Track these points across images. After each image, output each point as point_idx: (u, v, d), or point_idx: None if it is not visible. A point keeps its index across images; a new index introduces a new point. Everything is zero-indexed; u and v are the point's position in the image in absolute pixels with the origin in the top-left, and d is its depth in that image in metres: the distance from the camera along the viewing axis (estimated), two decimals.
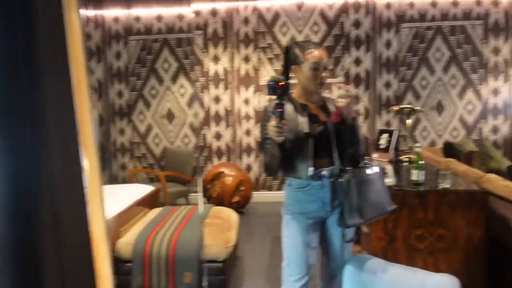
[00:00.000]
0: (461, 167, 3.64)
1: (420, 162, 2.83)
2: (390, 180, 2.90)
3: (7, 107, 0.72)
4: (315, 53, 2.00)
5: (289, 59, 2.08)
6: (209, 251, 3.03)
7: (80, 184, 0.77)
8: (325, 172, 2.01)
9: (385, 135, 3.57)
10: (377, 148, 3.57)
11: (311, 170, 1.98)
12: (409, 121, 3.92)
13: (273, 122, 1.75)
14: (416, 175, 2.84)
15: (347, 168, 2.00)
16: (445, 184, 2.75)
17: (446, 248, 2.66)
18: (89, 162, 0.78)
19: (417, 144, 2.94)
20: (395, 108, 4.04)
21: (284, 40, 5.69)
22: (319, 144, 1.99)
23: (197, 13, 5.76)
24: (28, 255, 0.76)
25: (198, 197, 2.80)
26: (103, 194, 0.80)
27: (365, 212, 1.95)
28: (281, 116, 1.76)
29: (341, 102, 1.93)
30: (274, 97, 1.81)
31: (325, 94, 2.19)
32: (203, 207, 3.35)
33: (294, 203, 2.07)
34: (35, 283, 0.78)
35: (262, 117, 2.07)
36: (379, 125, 5.70)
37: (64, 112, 0.72)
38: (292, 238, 2.07)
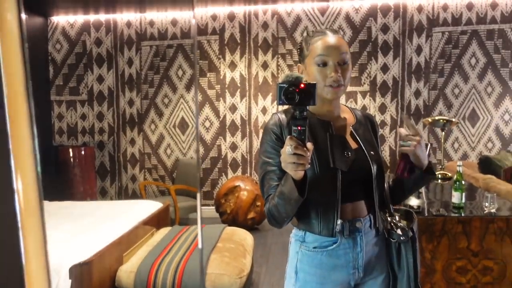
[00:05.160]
0: (504, 185, 3.25)
1: (462, 182, 2.48)
2: (420, 201, 2.57)
3: None
4: (320, 42, 1.33)
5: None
6: (219, 281, 2.68)
7: (11, 209, 0.65)
8: (359, 224, 1.33)
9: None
10: None
11: (339, 223, 1.30)
12: (442, 134, 3.56)
13: (288, 147, 1.07)
14: (457, 197, 2.49)
15: (397, 222, 1.39)
16: (492, 208, 2.41)
17: (492, 282, 2.32)
18: (23, 184, 0.64)
19: (459, 162, 2.57)
20: (429, 119, 3.66)
21: None
22: (349, 183, 1.32)
23: (214, 17, 5.46)
24: None
25: (198, 227, 2.42)
26: (42, 220, 0.66)
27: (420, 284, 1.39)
28: (302, 138, 1.09)
29: (407, 147, 1.30)
30: (286, 106, 1.21)
31: (346, 104, 1.54)
32: (201, 243, 2.95)
33: (310, 269, 1.36)
34: None
35: (263, 139, 1.36)
36: None
37: None
38: None
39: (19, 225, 0.68)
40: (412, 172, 1.35)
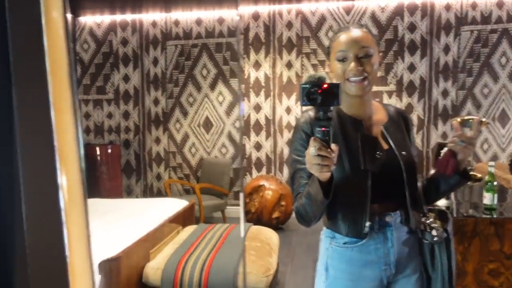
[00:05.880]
0: None
1: (494, 183, 2.42)
2: (449, 202, 2.53)
3: None
4: (342, 37, 1.31)
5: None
6: (246, 279, 2.67)
7: (55, 204, 0.66)
8: (389, 218, 1.31)
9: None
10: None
11: (367, 225, 1.29)
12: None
13: (312, 149, 1.06)
14: (489, 198, 2.43)
15: (431, 222, 1.35)
16: None
17: None
18: (67, 179, 0.66)
19: (491, 163, 2.51)
20: (458, 119, 3.57)
21: None
22: (379, 184, 1.30)
23: (238, 17, 5.47)
24: None
25: (240, 221, 2.43)
26: (86, 215, 0.69)
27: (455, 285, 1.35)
28: (326, 140, 1.08)
29: (461, 146, 1.25)
30: (309, 107, 1.19)
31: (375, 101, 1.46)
32: (244, 231, 2.99)
33: (340, 266, 1.34)
34: None
35: (293, 137, 1.37)
36: (435, 137, 5.19)
37: (37, 124, 0.62)
38: None
39: (63, 219, 0.69)
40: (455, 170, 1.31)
